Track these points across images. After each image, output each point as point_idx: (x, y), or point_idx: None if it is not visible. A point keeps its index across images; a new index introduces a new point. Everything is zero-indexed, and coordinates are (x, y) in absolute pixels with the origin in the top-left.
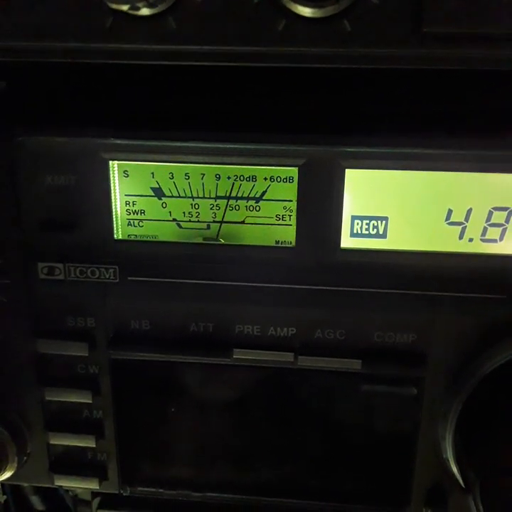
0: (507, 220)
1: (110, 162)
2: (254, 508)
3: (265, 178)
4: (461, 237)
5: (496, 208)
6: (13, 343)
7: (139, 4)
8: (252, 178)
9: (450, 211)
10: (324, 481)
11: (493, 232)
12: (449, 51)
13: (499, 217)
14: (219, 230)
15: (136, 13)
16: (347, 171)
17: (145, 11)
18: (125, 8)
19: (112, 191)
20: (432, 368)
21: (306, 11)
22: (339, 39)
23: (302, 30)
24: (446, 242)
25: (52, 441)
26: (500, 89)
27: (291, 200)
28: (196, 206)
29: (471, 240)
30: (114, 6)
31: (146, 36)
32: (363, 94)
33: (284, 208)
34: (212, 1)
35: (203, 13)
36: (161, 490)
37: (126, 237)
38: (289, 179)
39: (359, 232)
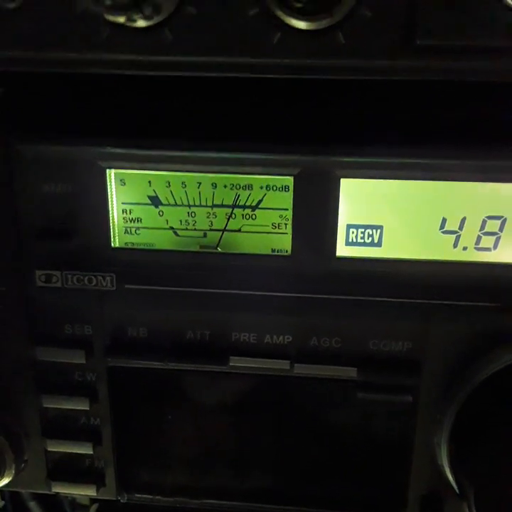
0: (501, 229)
1: (107, 170)
2: None
3: (261, 187)
4: (455, 246)
5: (490, 217)
6: (11, 350)
7: (136, 16)
8: (248, 186)
9: (444, 220)
10: (321, 487)
11: (487, 241)
12: (442, 63)
13: (493, 225)
14: (217, 239)
15: (132, 24)
16: (342, 180)
17: (141, 23)
18: (122, 19)
19: (109, 199)
20: (427, 376)
21: (300, 24)
22: (333, 51)
23: (297, 43)
24: (440, 250)
25: (50, 448)
26: (494, 99)
27: (287, 209)
28: (193, 214)
29: (465, 248)
30: (111, 18)
31: (142, 47)
32: (357, 105)
33: (280, 216)
34: (208, 13)
35: (199, 25)
36: (158, 497)
37: (123, 245)
38: (285, 188)
39: (354, 240)
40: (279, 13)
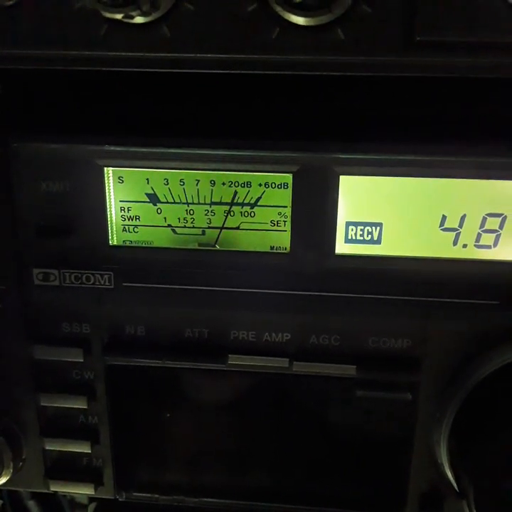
0: (501, 226)
1: (105, 168)
2: None
3: (260, 184)
4: (455, 243)
5: (490, 214)
6: (8, 348)
7: (133, 13)
8: (247, 184)
9: (444, 217)
10: (320, 486)
11: (487, 238)
12: (441, 59)
13: (493, 223)
14: (215, 236)
15: (130, 21)
16: (341, 177)
17: (139, 19)
18: (119, 16)
19: (107, 197)
20: (426, 373)
21: (299, 20)
22: (332, 47)
23: (296, 38)
24: (440, 248)
25: (48, 447)
26: (494, 96)
27: (286, 206)
28: (191, 212)
29: (465, 245)
30: (109, 15)
31: (140, 44)
32: (356, 101)
33: (279, 213)
34: (206, 9)
35: (197, 21)
36: (156, 495)
37: (121, 243)
38: (284, 185)
39: (353, 238)
40: (278, 9)
